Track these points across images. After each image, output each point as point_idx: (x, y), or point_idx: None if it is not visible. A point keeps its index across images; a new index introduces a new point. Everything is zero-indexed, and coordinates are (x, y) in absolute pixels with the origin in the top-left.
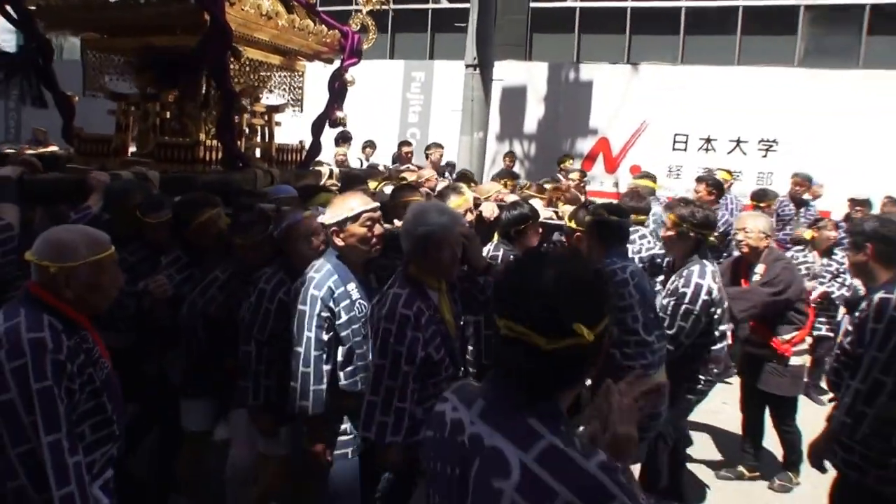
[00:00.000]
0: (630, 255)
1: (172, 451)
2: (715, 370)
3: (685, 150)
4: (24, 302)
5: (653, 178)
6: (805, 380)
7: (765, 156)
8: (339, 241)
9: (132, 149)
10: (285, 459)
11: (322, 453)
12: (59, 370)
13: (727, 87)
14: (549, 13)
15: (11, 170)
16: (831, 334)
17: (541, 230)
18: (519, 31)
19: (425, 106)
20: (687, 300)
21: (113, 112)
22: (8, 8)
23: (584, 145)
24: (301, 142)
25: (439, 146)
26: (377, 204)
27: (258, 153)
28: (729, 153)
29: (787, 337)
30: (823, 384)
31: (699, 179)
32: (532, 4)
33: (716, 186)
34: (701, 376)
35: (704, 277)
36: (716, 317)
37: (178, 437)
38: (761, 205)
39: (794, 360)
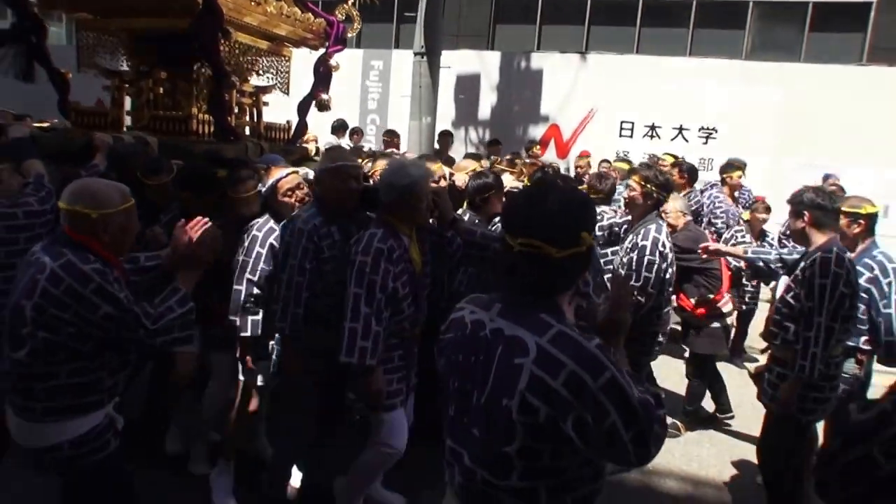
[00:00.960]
0: None
1: (163, 387)
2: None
3: (631, 136)
4: (64, 244)
5: (629, 161)
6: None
7: (705, 143)
8: (321, 190)
9: (128, 122)
10: (259, 389)
11: (295, 372)
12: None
13: (671, 76)
14: (511, 3)
15: (21, 129)
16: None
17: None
18: (482, 21)
19: (384, 94)
20: (648, 252)
21: (107, 88)
22: None
23: (537, 131)
24: (288, 121)
25: (396, 133)
26: (358, 162)
27: (248, 131)
28: (672, 140)
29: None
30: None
31: (674, 165)
32: None
33: (689, 172)
34: (659, 338)
35: (660, 233)
36: (667, 276)
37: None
38: (726, 175)
39: (713, 323)
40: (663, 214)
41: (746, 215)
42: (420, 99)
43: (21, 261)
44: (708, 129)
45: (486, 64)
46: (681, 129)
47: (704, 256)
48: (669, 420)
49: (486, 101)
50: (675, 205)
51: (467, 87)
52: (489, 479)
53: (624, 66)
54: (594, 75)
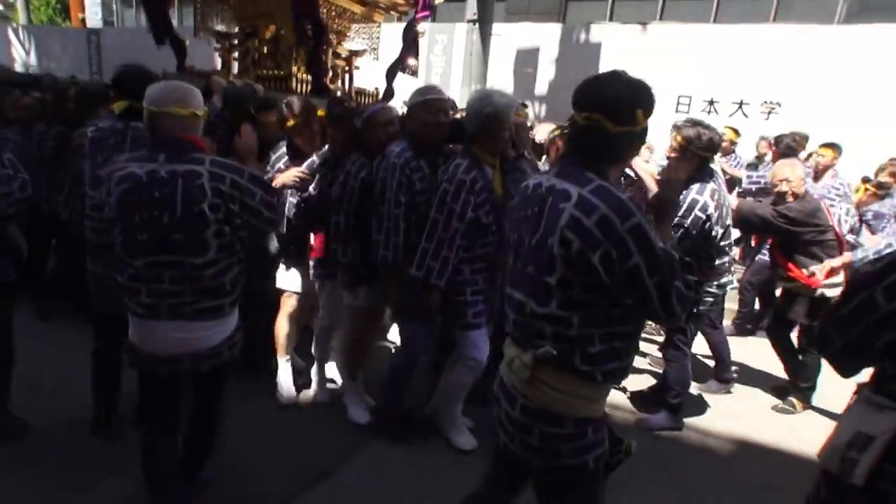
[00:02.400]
0: None
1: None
2: (716, 284)
3: (688, 112)
4: (191, 149)
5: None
6: None
7: (767, 118)
8: (411, 124)
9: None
10: (363, 310)
11: (396, 298)
12: None
13: (731, 47)
14: None
15: None
16: None
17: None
18: None
19: (446, 68)
20: (680, 213)
21: (218, 50)
22: None
23: None
24: (376, 88)
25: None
26: (447, 96)
27: (340, 94)
28: (731, 115)
29: (814, 269)
30: None
31: (776, 140)
32: None
33: (785, 148)
34: (707, 289)
35: (702, 194)
36: (713, 233)
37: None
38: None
39: (828, 293)
40: (785, 183)
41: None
42: (471, 67)
43: (128, 180)
44: (771, 103)
45: (545, 37)
46: (741, 103)
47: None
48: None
49: (544, 75)
50: (796, 172)
51: (526, 60)
52: (534, 308)
53: (679, 36)
54: (654, 46)
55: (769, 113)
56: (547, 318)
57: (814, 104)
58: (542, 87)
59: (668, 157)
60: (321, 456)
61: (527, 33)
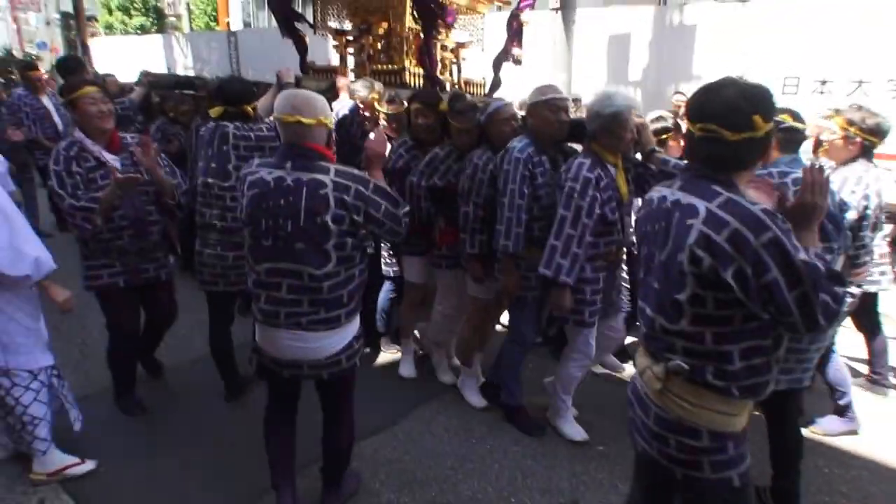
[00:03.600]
0: None
1: (399, 299)
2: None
3: (796, 94)
4: (317, 157)
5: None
6: None
7: (895, 98)
8: (533, 121)
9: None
10: (487, 301)
11: (514, 287)
12: None
13: (846, 19)
14: None
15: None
16: None
17: (682, 141)
18: None
19: (532, 56)
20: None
21: (336, 47)
22: None
23: (688, 89)
24: (483, 78)
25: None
26: (567, 95)
27: (449, 86)
28: (849, 96)
29: None
30: None
31: None
32: None
33: None
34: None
35: (867, 172)
36: (864, 222)
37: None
38: None
39: None
40: None
41: None
42: (554, 55)
43: (257, 185)
44: None
45: (637, 20)
46: (860, 83)
47: None
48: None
49: (638, 60)
50: None
51: (618, 45)
52: (664, 324)
53: (790, 11)
54: (756, 23)
55: None
56: (678, 334)
57: None
58: (635, 73)
59: (828, 142)
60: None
61: (617, 17)
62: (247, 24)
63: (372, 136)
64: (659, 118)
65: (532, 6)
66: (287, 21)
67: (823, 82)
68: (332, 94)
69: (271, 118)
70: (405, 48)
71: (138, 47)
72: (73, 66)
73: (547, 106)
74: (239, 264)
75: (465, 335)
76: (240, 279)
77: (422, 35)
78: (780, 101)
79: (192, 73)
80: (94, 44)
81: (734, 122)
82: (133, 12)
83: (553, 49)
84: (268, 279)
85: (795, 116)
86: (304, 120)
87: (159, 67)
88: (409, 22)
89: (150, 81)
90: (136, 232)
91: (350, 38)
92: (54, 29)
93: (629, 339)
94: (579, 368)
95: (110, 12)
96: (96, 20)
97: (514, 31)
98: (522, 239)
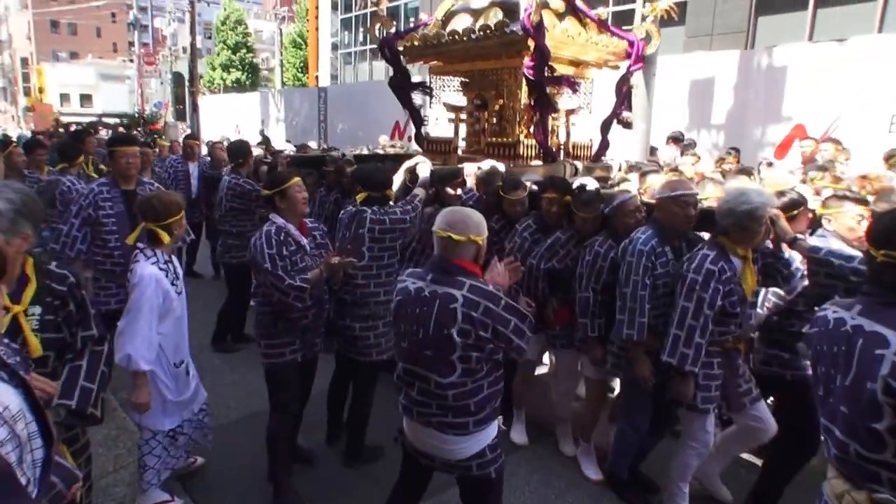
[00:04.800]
0: None
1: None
2: None
3: None
4: (457, 273)
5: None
6: None
7: None
8: (661, 214)
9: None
10: (602, 382)
11: (646, 374)
12: None
13: None
14: None
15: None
16: None
17: (811, 215)
18: (741, 16)
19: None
20: None
21: (452, 120)
22: (386, 50)
23: (777, 132)
24: (591, 139)
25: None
26: (695, 191)
27: (557, 149)
28: None
29: None
30: None
31: None
32: None
33: None
34: None
35: None
36: None
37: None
38: None
39: None
40: None
41: None
42: (634, 107)
43: (401, 293)
44: None
45: (722, 64)
46: None
47: None
48: None
49: (721, 103)
50: None
51: (701, 90)
52: (861, 451)
53: (890, 48)
54: (855, 62)
55: None
56: (881, 464)
57: None
58: (718, 117)
59: None
60: None
61: (699, 63)
62: (333, 78)
63: (492, 270)
64: (782, 193)
65: (642, 69)
66: (406, 95)
67: None
68: (459, 180)
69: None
70: (518, 120)
71: (237, 103)
72: (245, 150)
73: (675, 202)
74: (365, 335)
75: (584, 413)
76: (370, 350)
77: (534, 110)
78: (886, 140)
79: (283, 125)
80: (200, 102)
81: None
82: (231, 69)
83: (633, 101)
84: (405, 377)
85: None
86: (455, 236)
87: (255, 120)
88: (523, 98)
89: (288, 162)
90: (318, 310)
91: (466, 114)
92: (167, 88)
93: None
94: (696, 457)
95: (213, 69)
96: (201, 77)
97: (624, 95)
98: (645, 328)
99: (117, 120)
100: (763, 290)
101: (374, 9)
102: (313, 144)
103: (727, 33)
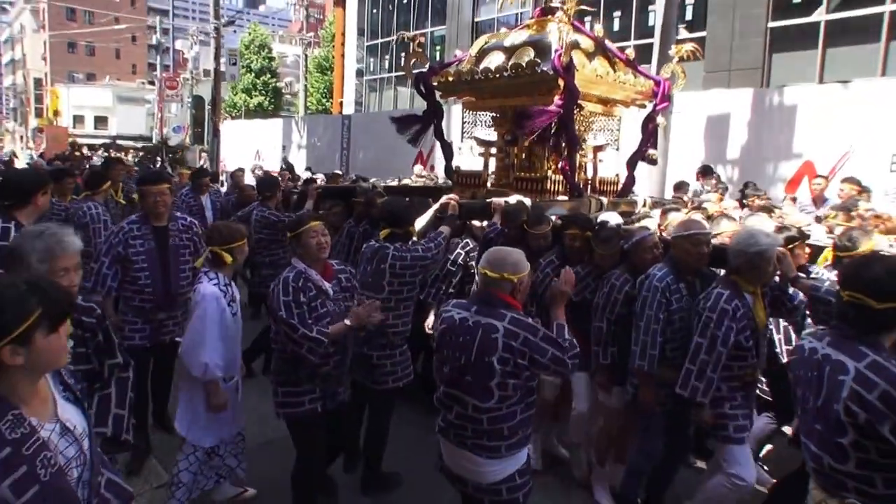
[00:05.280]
0: None
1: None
2: None
3: None
4: (500, 306)
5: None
6: None
7: None
8: (675, 252)
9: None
10: (615, 409)
11: (650, 402)
12: None
13: None
14: (789, 31)
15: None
16: None
17: (808, 250)
18: (756, 53)
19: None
20: None
21: (482, 154)
22: (421, 86)
23: (788, 169)
24: (617, 175)
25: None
26: (707, 230)
27: (584, 185)
28: None
29: None
30: None
31: None
32: (771, 24)
33: None
34: None
35: None
36: None
37: None
38: None
39: None
40: None
41: None
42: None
43: (446, 321)
44: None
45: (737, 102)
46: None
47: None
48: None
49: (736, 141)
50: None
51: (717, 126)
52: (832, 463)
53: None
54: (857, 103)
55: None
56: (847, 474)
57: None
58: (733, 152)
59: None
60: None
61: (716, 100)
62: (358, 104)
63: (562, 275)
64: (783, 228)
65: (667, 108)
66: (438, 128)
67: None
68: (486, 214)
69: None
70: (546, 156)
71: (260, 128)
72: (272, 183)
73: (689, 240)
74: (382, 363)
75: (601, 439)
76: (387, 378)
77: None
78: (889, 178)
79: (304, 151)
80: (222, 127)
81: (880, 294)
82: (254, 93)
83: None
84: (445, 400)
85: None
86: (489, 273)
87: (276, 146)
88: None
89: (318, 193)
90: (342, 358)
91: (494, 149)
92: (186, 111)
93: None
94: (732, 492)
95: (235, 93)
96: (224, 101)
97: (650, 133)
98: (656, 360)
99: (132, 143)
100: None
101: (402, 34)
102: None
103: (744, 69)
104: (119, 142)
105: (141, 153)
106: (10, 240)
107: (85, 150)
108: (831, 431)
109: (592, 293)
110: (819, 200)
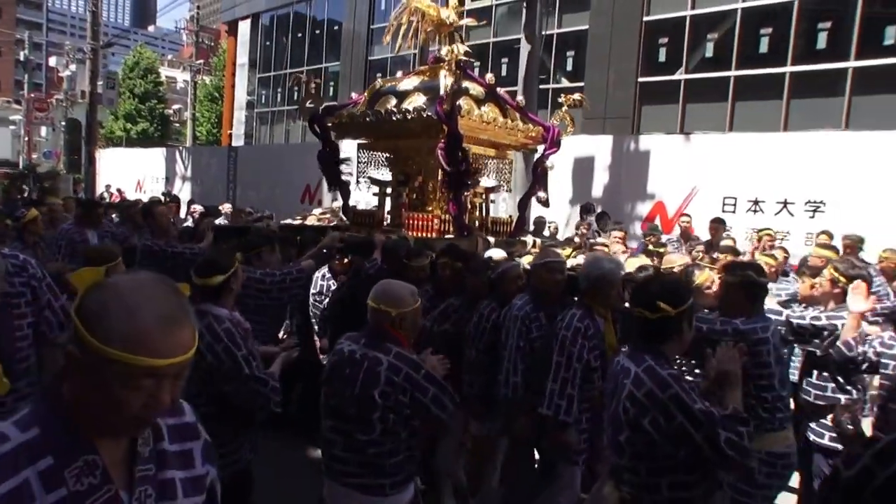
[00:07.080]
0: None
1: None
2: None
3: (734, 212)
4: (385, 339)
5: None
6: None
7: (812, 217)
8: (534, 280)
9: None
10: (480, 439)
11: (521, 429)
12: None
13: (773, 151)
14: (655, 86)
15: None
16: None
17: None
18: (627, 104)
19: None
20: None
21: (376, 194)
22: (315, 126)
23: (644, 208)
24: (510, 216)
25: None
26: (563, 258)
27: (477, 224)
28: (776, 214)
29: None
30: None
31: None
32: (640, 79)
33: None
34: None
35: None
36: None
37: None
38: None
39: None
40: None
41: None
42: (523, 185)
43: (337, 354)
44: (815, 202)
45: (598, 147)
46: (785, 203)
47: None
48: None
49: (599, 181)
50: None
51: (583, 167)
52: (617, 460)
53: (724, 143)
54: (696, 153)
55: (814, 211)
56: (623, 468)
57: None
58: (597, 190)
59: (822, 293)
60: None
61: (580, 144)
62: (248, 136)
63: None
64: (641, 268)
65: (556, 153)
66: (334, 172)
67: (756, 202)
68: (369, 250)
69: None
70: (436, 196)
71: (141, 157)
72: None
73: (545, 268)
74: None
75: (470, 469)
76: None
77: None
78: (721, 216)
79: (189, 184)
80: (99, 155)
81: (650, 307)
82: (138, 120)
83: (521, 179)
84: (330, 434)
85: (759, 271)
86: (370, 303)
87: (159, 177)
88: (440, 176)
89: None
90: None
91: (388, 189)
92: (59, 135)
93: None
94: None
95: (115, 119)
96: (101, 125)
97: (539, 176)
98: (520, 387)
99: None
100: None
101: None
102: (227, 207)
103: (617, 118)
104: None
105: (6, 181)
106: None
107: None
108: (616, 431)
109: (467, 324)
110: (685, 236)
